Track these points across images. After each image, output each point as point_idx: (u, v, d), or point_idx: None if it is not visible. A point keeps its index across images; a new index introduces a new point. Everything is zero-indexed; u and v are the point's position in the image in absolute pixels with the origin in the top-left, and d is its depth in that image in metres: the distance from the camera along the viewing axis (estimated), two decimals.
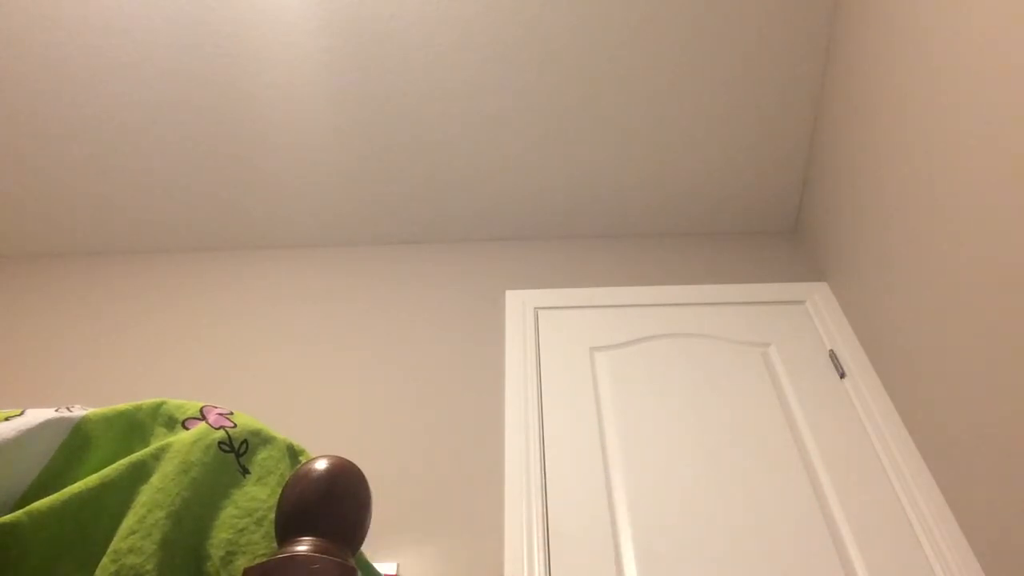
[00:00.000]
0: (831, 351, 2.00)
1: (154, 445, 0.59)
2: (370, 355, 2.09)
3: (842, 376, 1.94)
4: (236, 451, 0.62)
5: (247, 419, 0.66)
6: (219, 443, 0.61)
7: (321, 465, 0.51)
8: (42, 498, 0.51)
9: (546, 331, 2.11)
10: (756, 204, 2.39)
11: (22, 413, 0.57)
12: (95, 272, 2.43)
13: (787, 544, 1.59)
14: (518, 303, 2.19)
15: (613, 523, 1.64)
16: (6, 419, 0.56)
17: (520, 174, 2.33)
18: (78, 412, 0.60)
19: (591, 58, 2.10)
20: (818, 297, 2.15)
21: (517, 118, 2.21)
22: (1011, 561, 1.37)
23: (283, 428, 1.82)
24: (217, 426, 0.63)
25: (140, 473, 0.56)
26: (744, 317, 2.12)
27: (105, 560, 0.50)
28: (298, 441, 0.68)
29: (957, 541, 1.52)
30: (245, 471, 0.61)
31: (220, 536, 0.55)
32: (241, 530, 0.56)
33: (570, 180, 2.34)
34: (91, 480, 0.53)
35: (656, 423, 1.85)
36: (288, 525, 0.48)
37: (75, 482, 0.53)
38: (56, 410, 0.59)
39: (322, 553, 0.45)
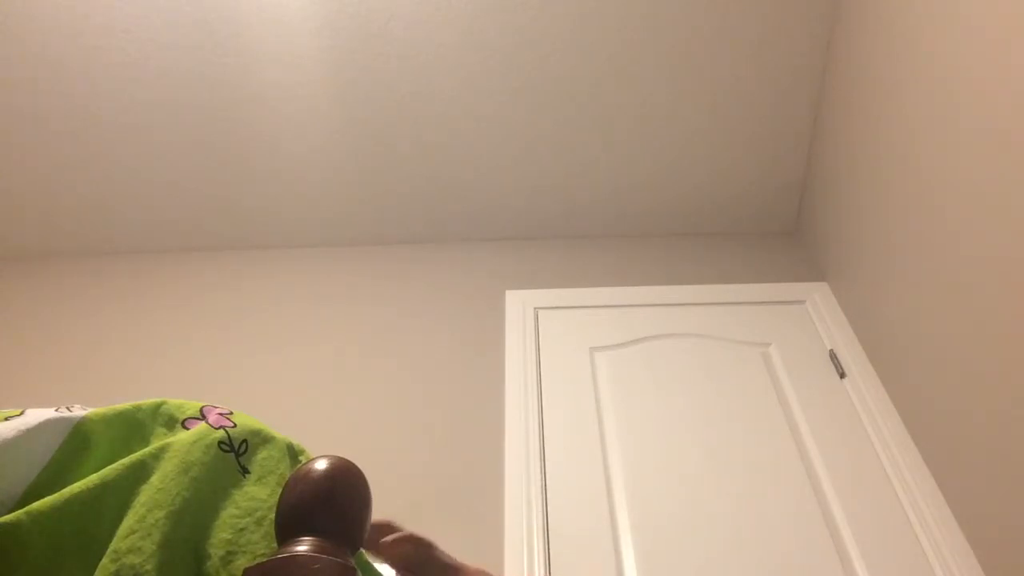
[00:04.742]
0: (831, 351, 2.00)
1: (154, 445, 0.59)
2: (370, 355, 2.09)
3: (842, 376, 1.94)
4: (236, 451, 0.62)
5: (247, 419, 0.66)
6: (219, 443, 0.61)
7: (321, 465, 0.51)
8: (42, 498, 0.51)
9: (546, 331, 2.11)
10: (756, 204, 2.39)
11: (22, 413, 0.57)
12: (95, 272, 2.43)
13: (787, 544, 1.59)
14: (518, 303, 2.19)
15: (613, 523, 1.64)
16: (6, 419, 0.55)
17: (520, 174, 2.33)
18: (78, 412, 0.60)
19: (591, 58, 2.10)
20: (818, 297, 2.15)
21: (517, 118, 2.21)
22: (1011, 561, 1.37)
23: (283, 428, 1.82)
24: (217, 426, 0.62)
25: (140, 473, 0.56)
26: (744, 317, 2.12)
27: (105, 560, 0.49)
28: (298, 441, 0.67)
29: (957, 541, 1.52)
30: (245, 471, 0.61)
31: (220, 536, 0.55)
32: (241, 530, 0.56)
33: (570, 180, 2.34)
34: (91, 480, 0.53)
35: (656, 423, 1.85)
36: (288, 525, 0.48)
37: (75, 482, 0.53)
38: (56, 410, 0.59)
39: (322, 553, 0.45)
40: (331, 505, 0.48)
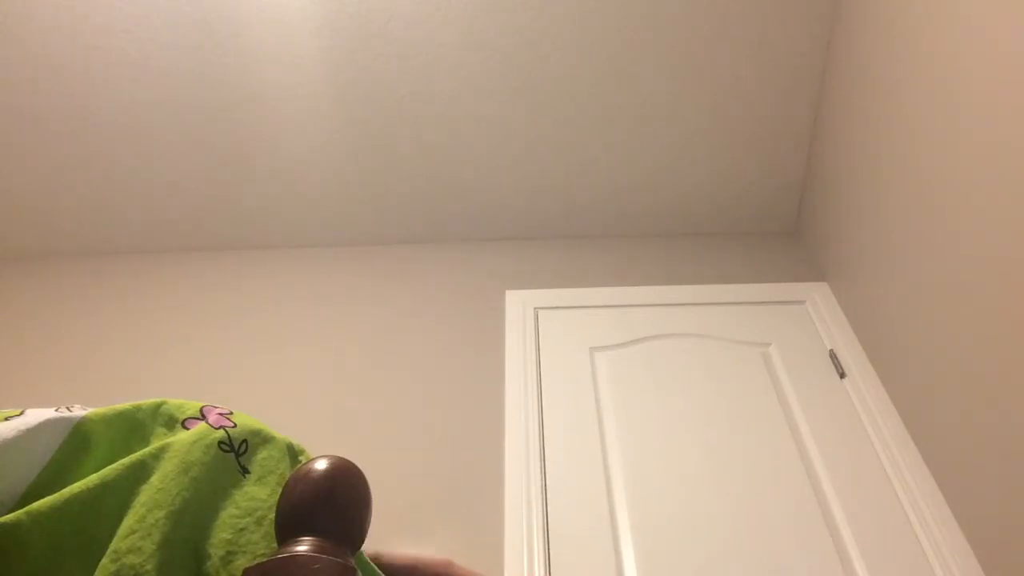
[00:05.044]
0: (831, 351, 2.00)
1: (154, 445, 0.59)
2: (370, 355, 2.09)
3: (842, 376, 1.94)
4: (236, 451, 0.61)
5: (247, 419, 0.66)
6: (219, 443, 0.61)
7: (321, 465, 0.51)
8: (42, 498, 0.51)
9: (546, 331, 2.11)
10: (756, 204, 2.39)
11: (22, 413, 0.57)
12: (95, 272, 2.42)
13: (787, 544, 1.59)
14: (518, 303, 2.19)
15: (613, 523, 1.64)
16: (6, 419, 0.55)
17: (520, 174, 2.33)
18: (78, 412, 0.60)
19: (591, 58, 2.10)
20: (818, 297, 2.15)
21: (517, 118, 2.21)
22: (1011, 561, 1.37)
23: (283, 428, 1.81)
24: (217, 426, 0.62)
25: (140, 473, 0.56)
26: (744, 317, 2.12)
27: (105, 560, 0.49)
28: (298, 441, 0.67)
29: (957, 541, 1.52)
30: (245, 471, 0.61)
31: (220, 536, 0.54)
32: (241, 530, 0.55)
33: (570, 180, 2.34)
34: (91, 480, 0.53)
35: (656, 423, 1.85)
36: (288, 525, 0.48)
37: (75, 482, 0.53)
38: (56, 410, 0.59)
39: (322, 553, 0.45)
40: (331, 505, 0.48)
